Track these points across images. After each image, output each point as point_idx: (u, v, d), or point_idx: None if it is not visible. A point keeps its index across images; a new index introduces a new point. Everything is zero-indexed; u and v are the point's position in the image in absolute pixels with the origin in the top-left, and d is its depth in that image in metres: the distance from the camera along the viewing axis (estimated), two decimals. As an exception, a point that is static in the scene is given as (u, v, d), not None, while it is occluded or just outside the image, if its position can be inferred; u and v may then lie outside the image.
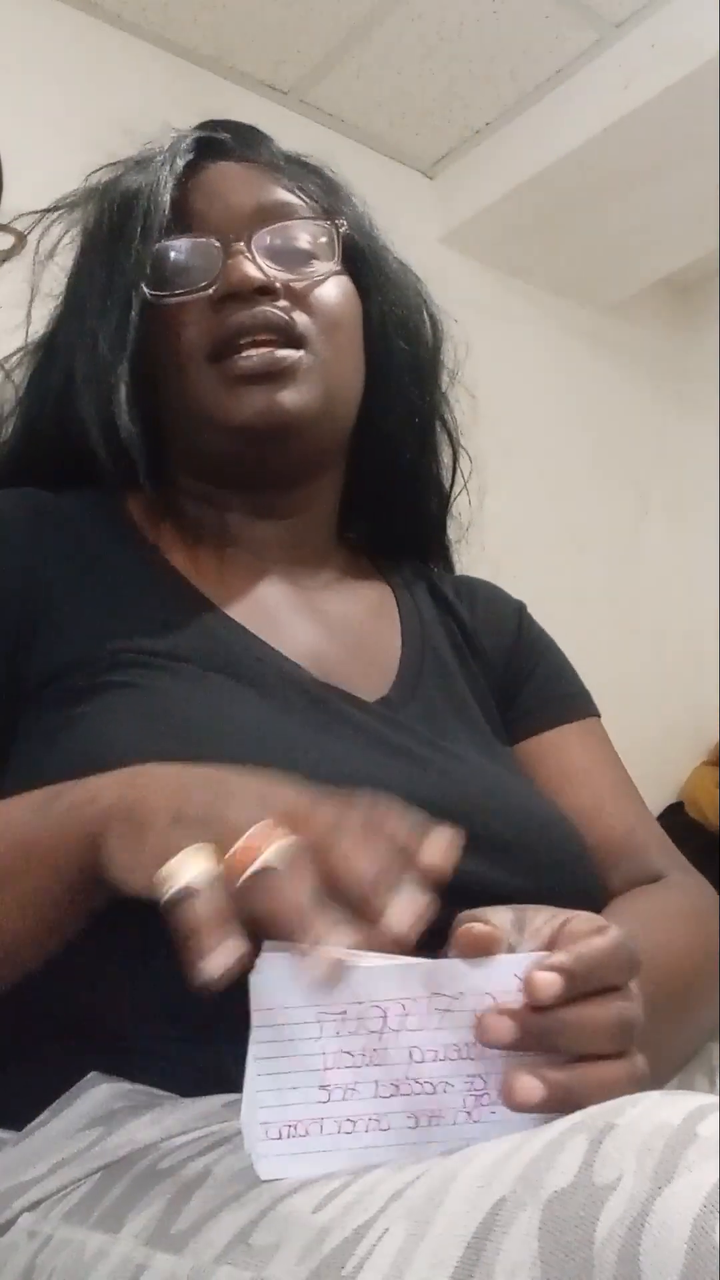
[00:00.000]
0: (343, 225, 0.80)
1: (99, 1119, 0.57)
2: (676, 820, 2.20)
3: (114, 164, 0.83)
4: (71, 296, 0.81)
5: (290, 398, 0.73)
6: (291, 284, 0.76)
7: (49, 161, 1.75)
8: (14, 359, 0.86)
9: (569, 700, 0.87)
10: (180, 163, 0.78)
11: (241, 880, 0.42)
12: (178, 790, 0.49)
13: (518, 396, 2.26)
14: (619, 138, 2.00)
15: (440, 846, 0.45)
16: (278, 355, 0.73)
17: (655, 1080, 0.68)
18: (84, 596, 0.71)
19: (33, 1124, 0.59)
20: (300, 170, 0.83)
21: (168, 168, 0.77)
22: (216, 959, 0.41)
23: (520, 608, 0.93)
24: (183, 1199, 0.48)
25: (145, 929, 0.50)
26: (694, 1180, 0.36)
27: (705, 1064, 0.70)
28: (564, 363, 2.45)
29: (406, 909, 0.42)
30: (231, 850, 0.43)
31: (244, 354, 0.73)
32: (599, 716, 0.87)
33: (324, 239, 0.79)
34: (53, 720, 0.66)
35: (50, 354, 0.83)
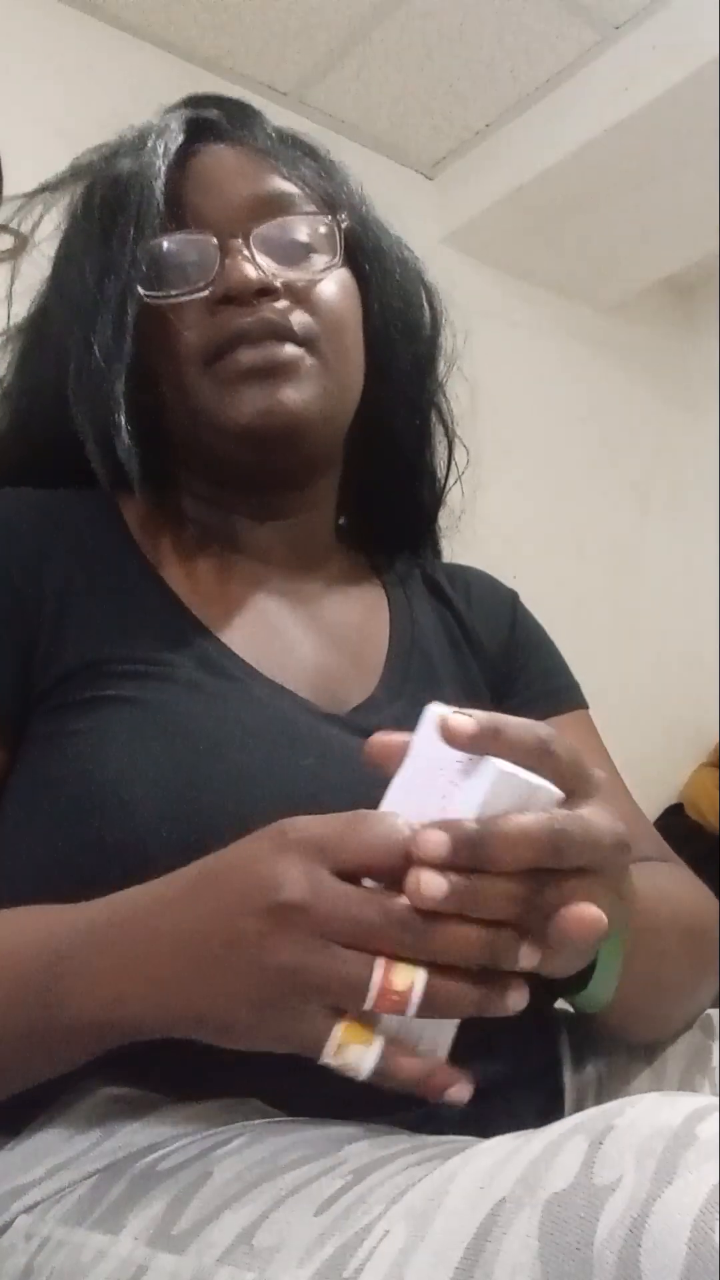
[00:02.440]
0: (344, 220, 0.77)
1: (96, 1122, 0.57)
2: (676, 821, 2.20)
3: (101, 145, 0.79)
4: (60, 287, 0.78)
5: (291, 396, 0.71)
6: (291, 282, 0.73)
7: (49, 161, 1.76)
8: None
9: (560, 692, 0.86)
10: (172, 148, 0.74)
11: (413, 1011, 0.45)
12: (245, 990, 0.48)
13: (518, 397, 2.26)
14: (619, 139, 2.00)
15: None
16: (279, 353, 0.71)
17: (656, 1030, 0.70)
18: (83, 606, 0.70)
19: (29, 1128, 0.59)
20: (296, 154, 0.79)
21: (159, 154, 0.73)
22: (457, 1093, 0.47)
23: (514, 598, 0.92)
24: (184, 1200, 0.48)
25: None
26: (694, 1181, 0.36)
27: (704, 1065, 0.70)
28: (564, 363, 2.45)
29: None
30: (370, 1003, 0.45)
31: (242, 350, 0.71)
32: (588, 708, 0.87)
33: (324, 231, 0.76)
34: (51, 730, 0.65)
35: (41, 346, 0.79)
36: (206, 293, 0.72)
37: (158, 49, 1.96)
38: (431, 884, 0.43)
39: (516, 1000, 0.46)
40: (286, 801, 0.60)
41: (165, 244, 0.72)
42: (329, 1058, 0.46)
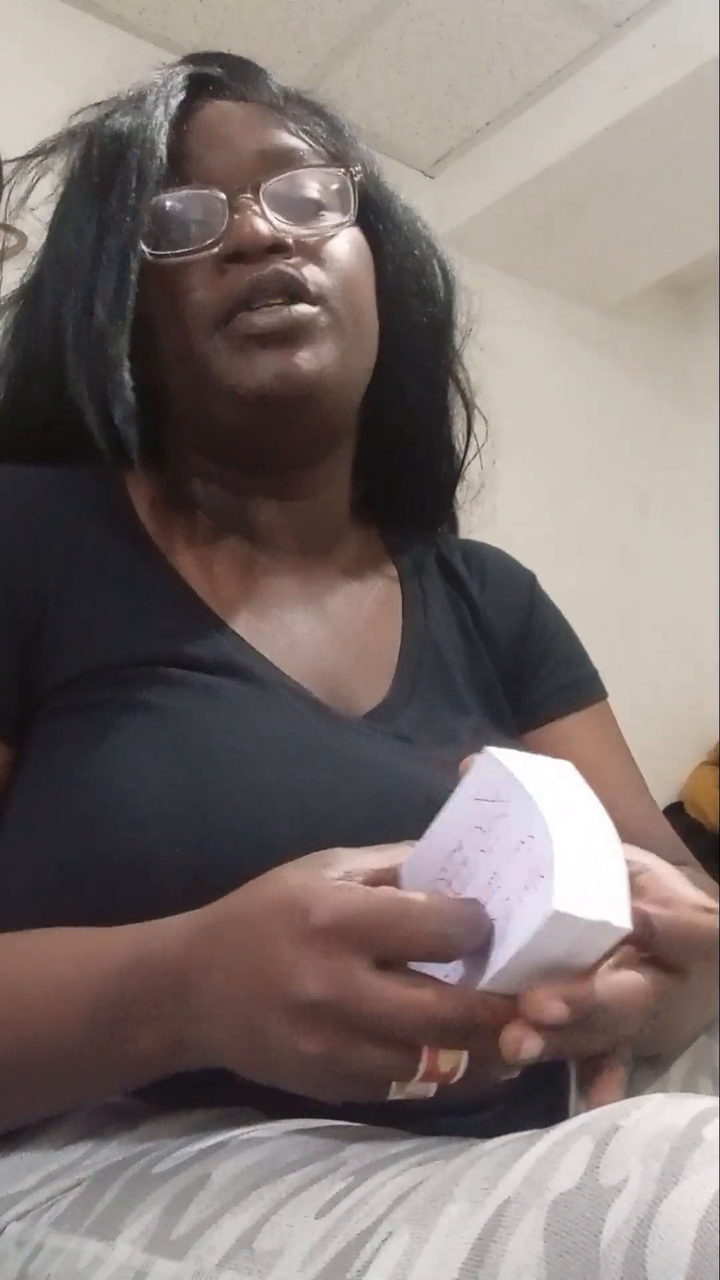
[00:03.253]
0: (358, 173, 0.73)
1: (90, 1132, 0.56)
2: (677, 820, 2.19)
3: (98, 104, 0.76)
4: (56, 251, 0.73)
5: (307, 359, 0.67)
6: (303, 239, 0.69)
7: (48, 161, 1.76)
8: None
9: (578, 686, 0.83)
10: (174, 102, 0.70)
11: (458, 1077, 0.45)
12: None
13: (517, 397, 2.25)
14: (619, 138, 2.00)
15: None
16: (293, 312, 0.67)
17: (667, 1045, 0.69)
18: (87, 602, 0.66)
19: (21, 1136, 0.58)
20: (303, 110, 0.75)
21: (160, 108, 0.70)
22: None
23: (531, 581, 0.89)
24: (181, 1204, 0.47)
25: None
26: (700, 1183, 0.36)
27: (708, 1066, 0.70)
28: (564, 363, 2.45)
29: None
30: (422, 1074, 0.45)
31: (255, 311, 0.67)
32: (606, 697, 0.85)
33: (336, 187, 0.72)
34: (58, 733, 0.63)
35: (36, 315, 0.75)
36: (215, 250, 0.68)
37: (158, 48, 1.96)
38: (532, 1049, 0.43)
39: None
40: (302, 820, 0.58)
41: (169, 200, 0.68)
42: (394, 1096, 0.46)
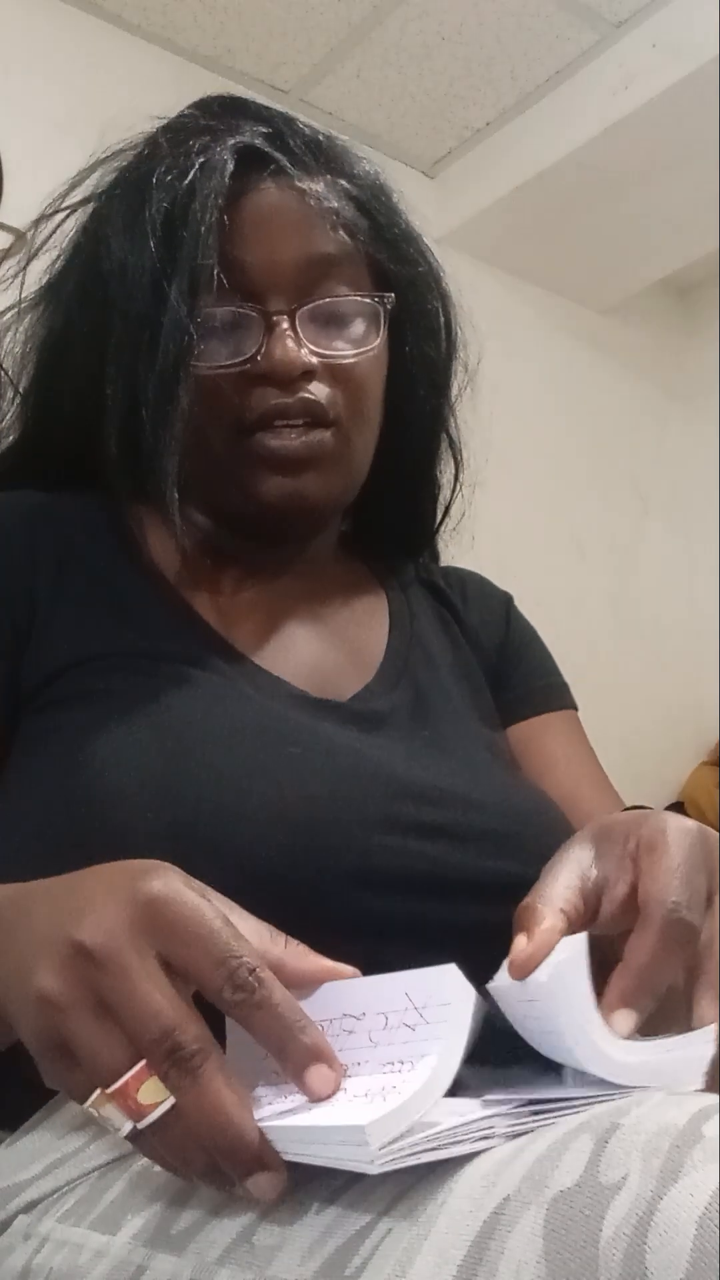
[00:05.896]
0: (390, 303, 0.77)
1: (90, 1121, 0.56)
2: (676, 821, 2.20)
3: (134, 147, 0.77)
4: (92, 321, 0.75)
5: (315, 486, 0.73)
6: (330, 361, 0.73)
7: (49, 161, 1.76)
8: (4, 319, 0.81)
9: (552, 690, 0.89)
10: (221, 186, 0.71)
11: (141, 1126, 0.41)
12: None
13: (517, 397, 2.26)
14: (619, 138, 2.00)
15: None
16: (308, 441, 0.72)
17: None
18: (77, 606, 0.71)
19: (26, 1124, 0.59)
20: (342, 193, 0.77)
21: (211, 202, 0.70)
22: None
23: (508, 600, 0.95)
24: (182, 1199, 0.47)
25: None
26: (699, 1180, 0.36)
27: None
28: (564, 363, 2.45)
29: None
30: (115, 1088, 0.41)
31: (274, 433, 0.72)
32: (577, 709, 0.90)
33: (368, 311, 0.75)
34: (43, 727, 0.67)
35: (64, 368, 0.78)
36: (248, 367, 0.72)
37: (158, 48, 1.96)
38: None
39: (263, 1191, 0.42)
40: (270, 794, 0.61)
41: (213, 315, 0.71)
42: (89, 1107, 0.42)
